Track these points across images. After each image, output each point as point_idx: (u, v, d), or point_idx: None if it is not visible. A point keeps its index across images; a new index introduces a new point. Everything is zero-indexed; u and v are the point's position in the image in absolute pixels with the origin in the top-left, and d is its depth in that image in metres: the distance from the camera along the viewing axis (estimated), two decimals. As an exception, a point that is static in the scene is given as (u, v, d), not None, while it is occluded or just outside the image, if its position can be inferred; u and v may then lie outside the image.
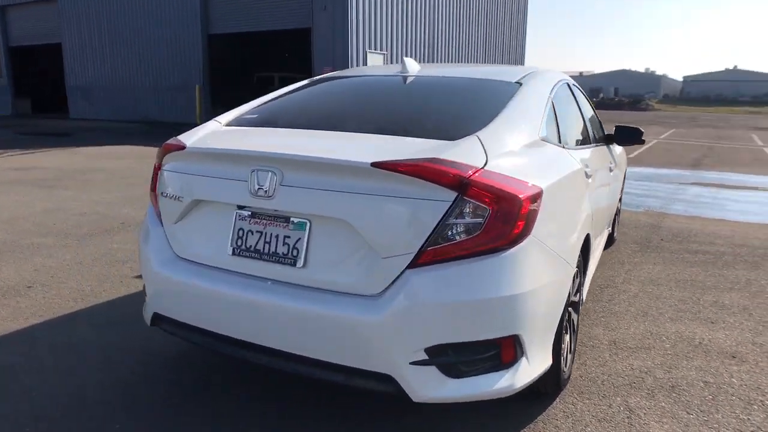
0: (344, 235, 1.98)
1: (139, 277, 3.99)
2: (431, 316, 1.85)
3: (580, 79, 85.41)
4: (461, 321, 1.87)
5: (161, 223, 2.41)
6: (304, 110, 2.80)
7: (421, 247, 1.86)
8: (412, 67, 3.11)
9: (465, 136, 2.16)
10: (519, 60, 30.23)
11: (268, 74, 26.47)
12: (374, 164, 1.88)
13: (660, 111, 53.03)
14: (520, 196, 1.89)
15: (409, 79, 2.97)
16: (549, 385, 2.41)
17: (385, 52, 18.77)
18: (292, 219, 2.06)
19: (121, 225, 5.47)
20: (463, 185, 1.84)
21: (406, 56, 19.99)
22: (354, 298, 1.94)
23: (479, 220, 1.85)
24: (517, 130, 2.32)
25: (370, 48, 17.96)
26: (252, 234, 2.13)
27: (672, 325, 3.40)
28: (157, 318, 2.38)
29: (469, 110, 2.53)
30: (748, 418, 2.44)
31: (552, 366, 2.24)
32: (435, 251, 1.86)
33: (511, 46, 28.96)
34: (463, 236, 1.86)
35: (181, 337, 2.33)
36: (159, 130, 17.89)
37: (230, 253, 2.16)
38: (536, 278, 1.98)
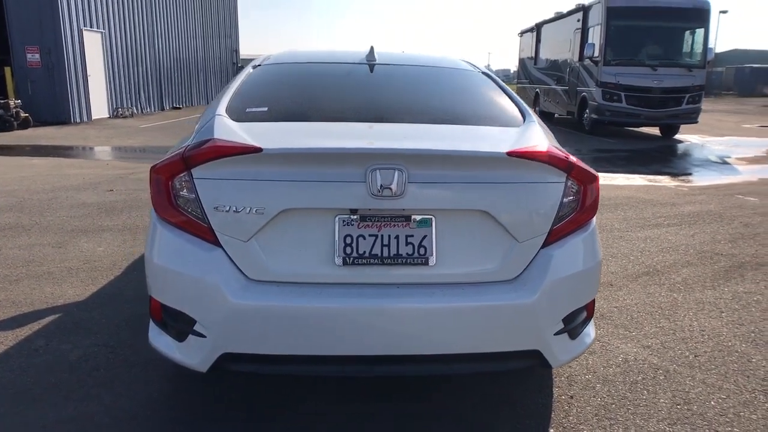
0: (479, 226, 2.01)
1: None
2: (567, 288, 2.09)
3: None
4: (582, 287, 2.16)
5: (217, 243, 1.98)
6: (324, 101, 2.60)
7: (551, 226, 2.06)
8: (380, 54, 3.12)
9: (522, 122, 2.40)
10: (234, 40, 29.84)
11: None
12: (509, 153, 1.98)
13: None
14: (597, 174, 2.23)
15: (392, 68, 2.97)
16: None
17: (102, 31, 16.59)
18: (413, 217, 1.99)
19: None
20: (569, 167, 2.08)
21: (124, 34, 17.78)
22: (496, 285, 2.02)
23: (577, 197, 2.12)
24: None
25: (86, 26, 15.63)
26: (364, 239, 1.97)
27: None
28: (227, 359, 1.98)
29: (487, 97, 2.75)
30: (662, 325, 3.33)
31: None
32: (559, 229, 2.08)
33: (226, 27, 28.45)
34: (572, 213, 2.11)
35: (262, 372, 2.04)
36: None
37: (340, 263, 1.97)
38: None
